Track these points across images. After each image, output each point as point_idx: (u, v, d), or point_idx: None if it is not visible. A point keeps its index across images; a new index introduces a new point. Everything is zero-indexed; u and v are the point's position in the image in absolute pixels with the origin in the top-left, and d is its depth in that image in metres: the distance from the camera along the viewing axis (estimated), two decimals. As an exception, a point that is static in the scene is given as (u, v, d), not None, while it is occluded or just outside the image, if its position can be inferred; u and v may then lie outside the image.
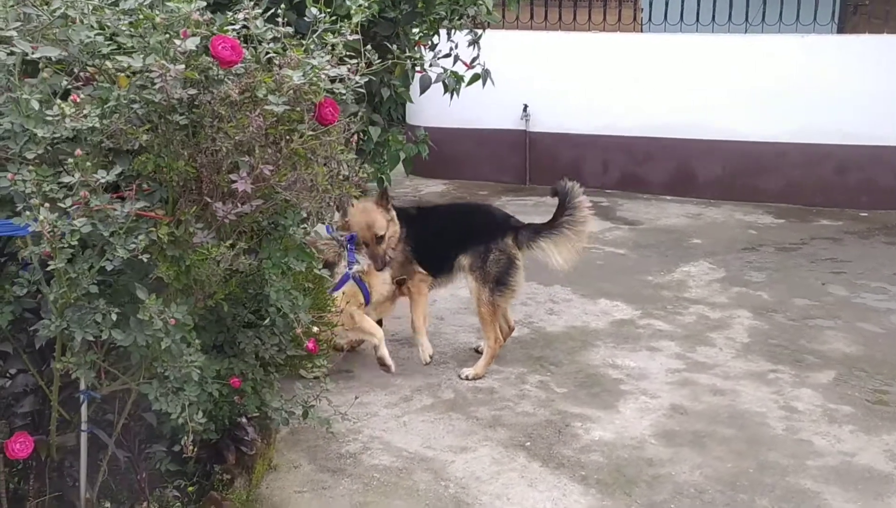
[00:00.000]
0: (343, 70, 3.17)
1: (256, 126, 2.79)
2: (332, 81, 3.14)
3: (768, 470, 4.17)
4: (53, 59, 2.79)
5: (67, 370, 2.84)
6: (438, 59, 5.61)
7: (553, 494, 3.96)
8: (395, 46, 4.79)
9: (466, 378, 5.16)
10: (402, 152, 5.96)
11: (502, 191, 10.54)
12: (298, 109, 3.01)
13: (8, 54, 2.59)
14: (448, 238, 5.33)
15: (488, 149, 11.00)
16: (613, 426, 4.62)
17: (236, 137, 2.80)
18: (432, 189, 10.72)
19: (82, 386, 3.06)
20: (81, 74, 2.91)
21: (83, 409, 3.12)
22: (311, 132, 3.04)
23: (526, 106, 10.74)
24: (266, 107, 2.83)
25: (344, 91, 3.21)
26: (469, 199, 10.32)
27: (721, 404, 4.88)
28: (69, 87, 2.79)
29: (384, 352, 5.00)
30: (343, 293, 4.94)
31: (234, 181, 2.72)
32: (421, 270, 5.29)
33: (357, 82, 3.17)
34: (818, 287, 6.99)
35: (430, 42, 5.93)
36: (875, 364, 5.45)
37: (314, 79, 2.97)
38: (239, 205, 2.76)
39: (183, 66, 2.64)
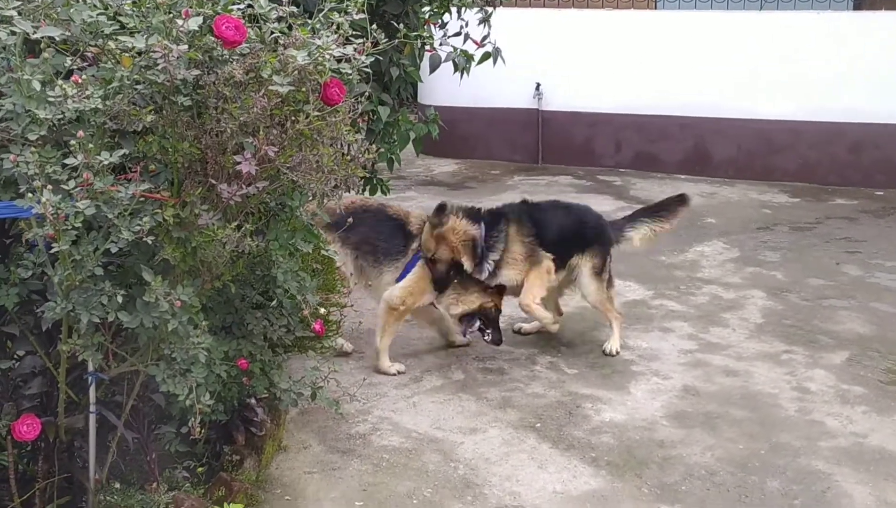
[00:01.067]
0: (349, 50, 3.14)
1: (261, 107, 2.76)
2: (339, 60, 3.11)
3: (780, 452, 4.14)
4: (56, 39, 2.77)
5: (74, 351, 2.83)
6: (448, 38, 5.57)
7: (563, 476, 3.95)
8: (403, 25, 4.75)
9: (612, 354, 5.25)
10: (412, 132, 5.92)
11: (514, 170, 10.50)
12: (304, 89, 2.98)
13: (9, 34, 2.56)
14: (566, 237, 5.32)
15: (500, 128, 10.95)
16: (624, 407, 4.59)
17: (241, 118, 2.77)
18: (444, 169, 10.69)
19: (90, 368, 3.05)
20: (87, 54, 2.90)
21: (91, 390, 3.12)
22: (316, 113, 3.01)
23: (538, 84, 10.68)
24: (271, 87, 2.80)
25: (350, 71, 3.18)
26: (480, 178, 10.30)
27: (734, 385, 4.84)
28: (73, 67, 2.77)
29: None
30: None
31: (239, 163, 2.69)
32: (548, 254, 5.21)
33: (363, 62, 3.13)
34: (832, 267, 6.93)
35: (439, 20, 5.88)
36: (888, 345, 5.40)
37: (319, 59, 2.93)
38: (244, 186, 2.73)
39: (186, 46, 2.61)
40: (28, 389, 3.10)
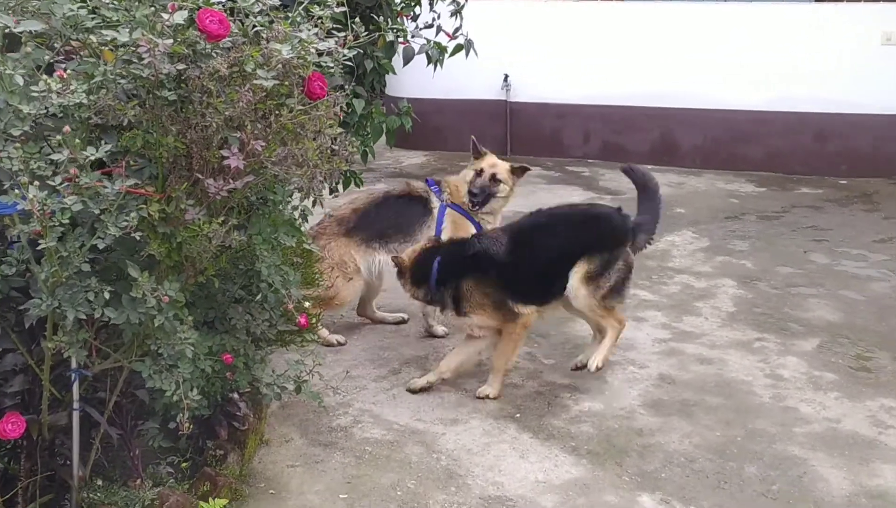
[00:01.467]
0: (331, 43, 3.13)
1: (246, 101, 2.75)
2: (319, 54, 3.11)
3: (756, 438, 4.21)
4: (33, 33, 2.73)
5: (60, 348, 2.80)
6: (420, 30, 5.57)
7: (545, 465, 3.98)
8: (380, 18, 4.74)
9: (597, 369, 4.66)
10: (385, 125, 5.92)
11: (484, 162, 10.49)
12: (287, 83, 2.98)
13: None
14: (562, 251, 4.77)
15: (469, 120, 10.93)
16: (602, 396, 4.64)
17: (226, 113, 2.76)
18: (413, 161, 10.69)
19: (73, 365, 3.03)
20: (63, 49, 2.87)
21: (75, 387, 3.10)
22: (299, 107, 3.01)
23: (507, 76, 10.71)
24: (255, 81, 2.79)
25: (332, 64, 3.18)
26: (450, 170, 10.29)
27: (708, 373, 4.91)
28: (51, 61, 2.74)
29: None
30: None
31: (226, 157, 2.68)
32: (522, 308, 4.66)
33: (345, 55, 3.13)
34: (800, 255, 7.04)
35: (412, 13, 5.88)
36: (857, 331, 5.50)
37: (302, 52, 2.93)
38: (231, 181, 2.72)
39: (171, 40, 2.59)
40: (10, 387, 3.07)
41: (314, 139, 3.04)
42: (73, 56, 2.93)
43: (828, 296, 6.12)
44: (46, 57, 2.76)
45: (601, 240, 4.79)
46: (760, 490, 3.77)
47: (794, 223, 8.00)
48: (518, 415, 4.44)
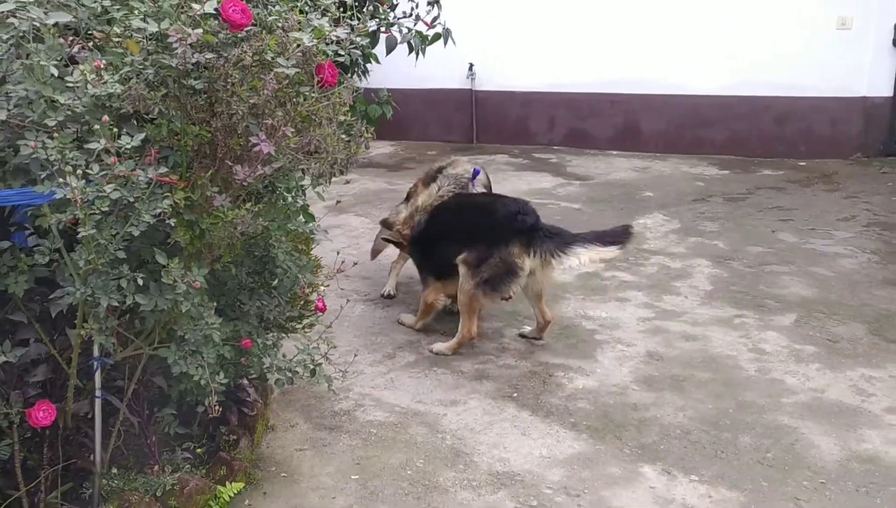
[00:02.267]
0: (341, 32, 3.19)
1: (271, 89, 2.80)
2: (328, 43, 3.17)
3: (747, 409, 4.36)
4: (60, 25, 2.76)
5: (90, 336, 2.83)
6: (398, 19, 5.63)
7: (547, 441, 4.09)
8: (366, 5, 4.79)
9: (430, 351, 5.06)
10: (367, 113, 5.98)
11: (451, 151, 10.57)
12: (303, 71, 3.03)
13: (21, 21, 2.55)
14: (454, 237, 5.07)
15: (435, 109, 11.05)
16: (595, 374, 4.76)
17: (251, 101, 2.81)
18: (381, 151, 10.74)
19: (95, 353, 3.06)
20: (82, 39, 2.89)
21: (97, 376, 3.12)
22: (314, 95, 3.06)
23: (472, 65, 10.81)
24: (278, 70, 2.84)
25: (343, 53, 3.24)
26: (418, 159, 10.37)
27: (694, 349, 5.06)
28: (73, 53, 2.76)
29: None
30: None
31: (254, 144, 2.73)
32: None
33: (360, 44, 3.19)
34: (769, 235, 7.24)
35: (391, 2, 5.93)
36: (830, 306, 5.70)
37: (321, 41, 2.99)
38: (260, 167, 2.77)
39: (201, 30, 2.63)
40: (33, 377, 3.09)
41: (330, 126, 3.10)
42: (85, 48, 2.96)
43: (799, 273, 6.32)
44: (66, 49, 2.78)
45: (481, 231, 4.95)
46: (756, 458, 3.92)
47: (759, 204, 8.22)
48: (515, 394, 4.55)
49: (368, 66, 6.30)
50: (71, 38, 2.80)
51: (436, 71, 10.34)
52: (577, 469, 3.87)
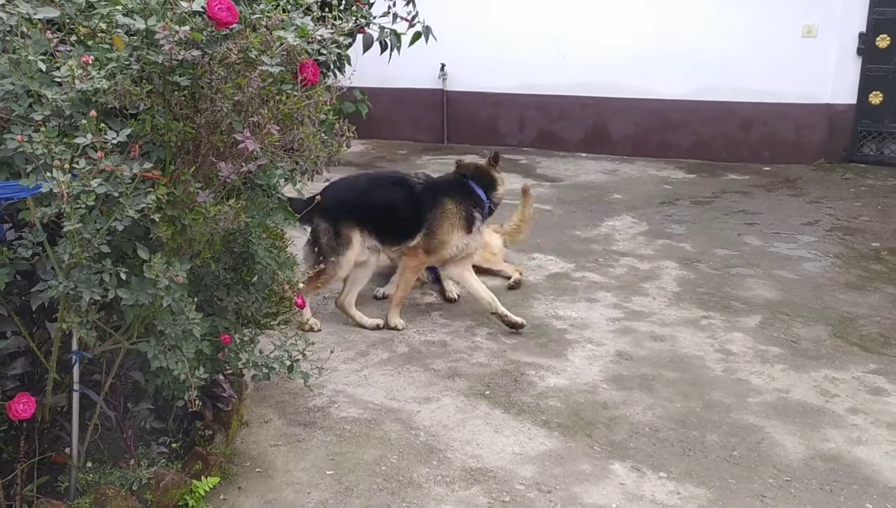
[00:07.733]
0: (325, 32, 3.23)
1: (256, 86, 2.83)
2: (309, 42, 3.20)
3: (714, 408, 4.45)
4: (44, 20, 2.77)
5: (70, 330, 2.84)
6: (376, 18, 5.67)
7: (519, 438, 4.15)
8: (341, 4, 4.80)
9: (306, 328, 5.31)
10: (342, 112, 6.01)
11: (422, 150, 10.66)
12: (286, 70, 3.07)
13: (10, 16, 2.56)
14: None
15: (406, 108, 11.09)
16: (566, 373, 4.83)
17: (235, 98, 2.84)
18: (352, 149, 10.70)
19: (74, 346, 3.07)
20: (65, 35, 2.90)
21: (75, 369, 3.13)
22: (296, 93, 3.10)
23: (443, 65, 10.86)
24: (262, 68, 2.87)
25: (325, 52, 3.27)
26: (389, 158, 10.40)
27: (662, 349, 5.15)
28: (56, 49, 2.77)
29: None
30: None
31: (239, 142, 2.76)
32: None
33: (343, 43, 3.23)
34: (735, 238, 7.37)
35: (366, 1, 5.97)
36: (795, 308, 5.82)
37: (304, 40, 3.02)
38: (244, 164, 2.80)
39: (188, 27, 2.66)
40: (12, 369, 3.09)
41: (313, 124, 3.14)
42: (66, 43, 2.97)
43: (764, 276, 6.45)
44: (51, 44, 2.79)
45: None
46: (723, 456, 4.00)
47: (725, 208, 8.36)
48: (488, 392, 4.60)
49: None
50: (52, 32, 2.81)
51: (407, 70, 10.39)
52: (548, 465, 3.93)
